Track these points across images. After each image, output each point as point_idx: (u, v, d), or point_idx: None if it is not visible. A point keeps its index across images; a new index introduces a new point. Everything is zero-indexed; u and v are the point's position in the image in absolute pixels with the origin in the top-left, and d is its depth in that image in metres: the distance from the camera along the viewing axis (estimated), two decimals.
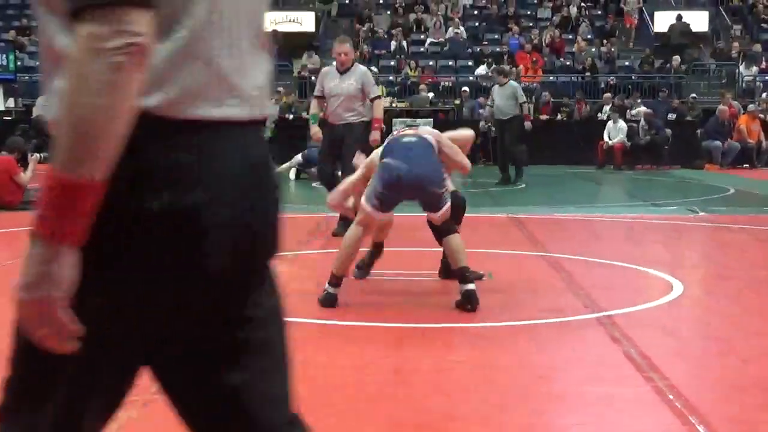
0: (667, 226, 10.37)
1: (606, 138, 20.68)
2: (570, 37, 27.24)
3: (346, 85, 8.97)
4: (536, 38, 26.68)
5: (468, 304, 5.66)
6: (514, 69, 23.30)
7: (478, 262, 7.50)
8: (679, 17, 26.54)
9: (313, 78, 25.14)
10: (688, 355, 4.81)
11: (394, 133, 6.30)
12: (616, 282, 6.77)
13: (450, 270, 6.13)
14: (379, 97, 9.27)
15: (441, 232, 6.00)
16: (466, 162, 6.25)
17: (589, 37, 26.91)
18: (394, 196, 5.84)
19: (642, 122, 20.95)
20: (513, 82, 16.62)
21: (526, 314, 5.65)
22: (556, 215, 11.18)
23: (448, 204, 5.86)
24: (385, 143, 6.14)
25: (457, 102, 23.36)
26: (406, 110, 22.96)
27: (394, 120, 22.00)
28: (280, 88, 23.64)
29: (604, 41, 26.62)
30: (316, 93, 9.33)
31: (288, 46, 27.43)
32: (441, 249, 6.26)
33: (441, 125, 21.80)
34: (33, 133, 21.51)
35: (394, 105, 22.96)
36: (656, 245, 9.14)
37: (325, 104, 9.24)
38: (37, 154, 12.84)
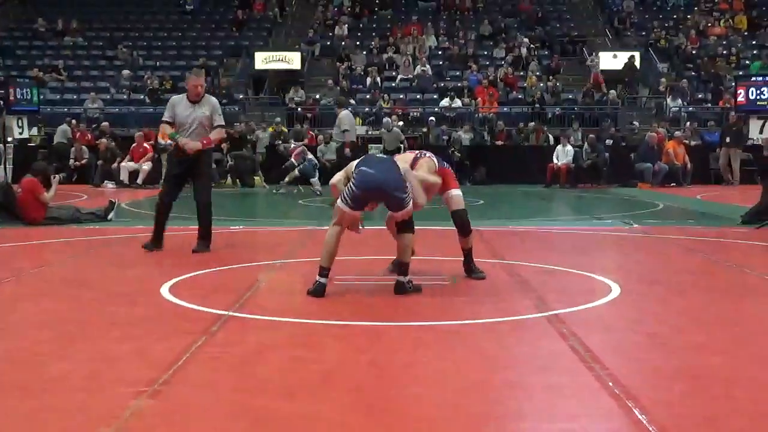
0: (607, 236, 10.43)
1: (555, 160, 20.77)
2: (521, 73, 27.38)
3: (198, 114, 8.70)
4: (492, 75, 26.82)
5: (398, 291, 6.19)
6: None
7: (444, 268, 7.53)
8: (632, 57, 26.92)
9: (299, 109, 25.20)
10: (625, 348, 4.84)
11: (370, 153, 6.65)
12: (563, 285, 6.80)
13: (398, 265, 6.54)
14: (222, 126, 8.93)
15: (400, 227, 6.38)
16: (421, 200, 6.51)
17: (538, 74, 27.08)
18: (366, 196, 6.23)
19: (585, 146, 21.07)
20: (345, 111, 16.19)
21: (485, 314, 5.66)
22: (511, 227, 11.21)
23: (410, 206, 6.26)
24: (362, 158, 6.61)
25: (425, 129, 23.42)
26: (380, 137, 22.99)
27: (370, 146, 22.03)
28: (278, 119, 23.61)
29: (551, 77, 26.79)
30: (167, 119, 8.73)
31: (278, 82, 27.47)
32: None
33: (410, 150, 21.86)
34: (54, 158, 21.41)
35: (369, 132, 22.96)
36: (597, 253, 9.19)
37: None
38: (59, 176, 12.77)
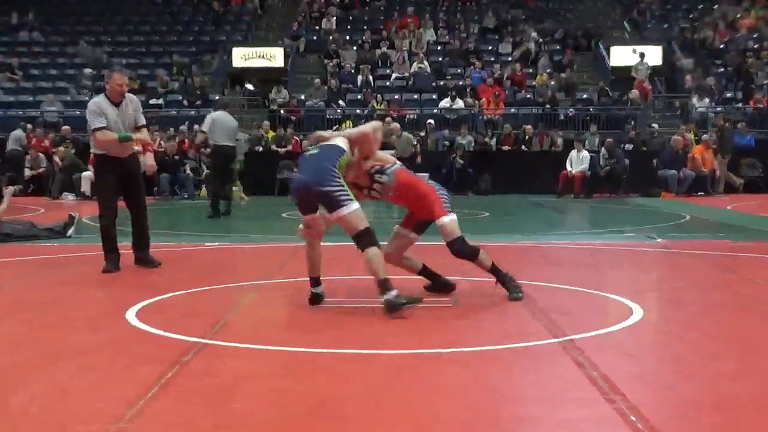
0: (626, 252, 10.42)
1: (568, 167, 20.80)
2: (530, 71, 27.47)
3: (126, 117, 8.82)
4: (497, 72, 26.88)
5: (389, 311, 6.18)
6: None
7: (447, 289, 7.50)
8: (642, 54, 26.80)
9: (282, 111, 25.25)
10: (649, 377, 4.82)
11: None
12: (578, 307, 6.78)
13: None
14: (146, 126, 9.14)
15: (356, 241, 6.34)
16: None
17: (549, 71, 27.15)
18: (300, 199, 6.43)
19: (603, 151, 21.11)
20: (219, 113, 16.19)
21: (491, 339, 5.64)
22: (519, 243, 11.21)
23: (350, 208, 6.25)
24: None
25: (422, 133, 23.45)
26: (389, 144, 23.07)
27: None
28: (266, 122, 23.61)
29: (562, 74, 26.87)
30: (103, 125, 8.65)
31: (260, 80, 27.51)
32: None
33: (408, 157, 21.95)
34: (6, 167, 21.39)
35: None
36: (616, 271, 9.18)
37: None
38: (12, 187, 12.74)
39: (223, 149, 15.62)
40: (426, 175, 7.13)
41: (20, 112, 25.22)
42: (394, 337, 5.70)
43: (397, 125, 21.14)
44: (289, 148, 22.49)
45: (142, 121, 9.04)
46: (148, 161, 9.46)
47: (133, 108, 8.94)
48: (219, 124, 15.66)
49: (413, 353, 5.28)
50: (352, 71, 27.37)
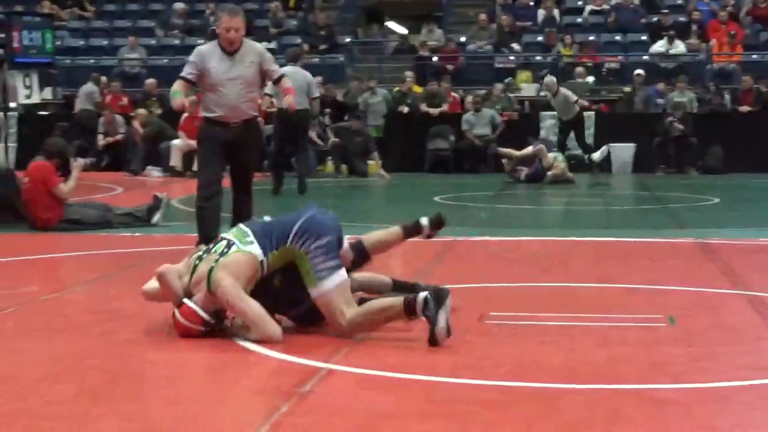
0: None
1: None
2: None
3: (241, 70, 9.02)
4: (733, 3, 26.28)
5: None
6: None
7: (656, 302, 7.44)
8: None
9: (435, 58, 25.30)
10: None
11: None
12: None
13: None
14: (283, 75, 9.38)
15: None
16: None
17: None
18: None
19: None
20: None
21: (719, 373, 5.57)
22: (761, 240, 11.00)
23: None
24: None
25: (628, 89, 23.15)
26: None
27: (542, 114, 21.95)
28: (408, 74, 23.46)
29: None
30: (186, 76, 9.13)
31: (405, 17, 27.54)
32: None
33: (605, 119, 21.74)
34: (75, 132, 21.93)
35: (542, 94, 22.88)
36: None
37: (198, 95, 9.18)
38: (81, 160, 13.00)
39: (287, 112, 15.92)
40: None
41: (92, 61, 25.75)
42: (584, 367, 5.68)
43: (553, 79, 20.91)
44: (445, 108, 22.50)
45: (278, 71, 9.30)
46: (289, 99, 9.52)
47: (256, 58, 9.13)
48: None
49: (608, 389, 5.26)
50: (531, 3, 27.21)
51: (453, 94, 23.11)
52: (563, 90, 20.18)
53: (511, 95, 22.77)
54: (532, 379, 5.40)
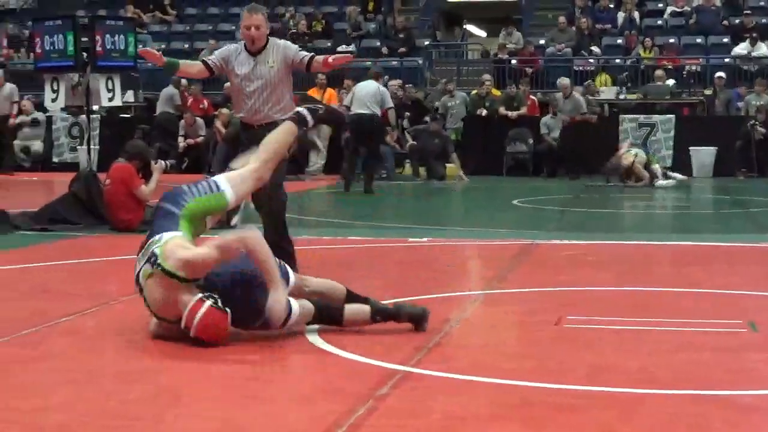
0: None
1: None
2: None
3: (264, 70, 8.75)
4: None
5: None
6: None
7: (737, 308, 7.34)
8: None
9: (513, 61, 25.27)
10: None
11: None
12: None
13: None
14: (314, 56, 8.94)
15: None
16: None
17: None
18: None
19: None
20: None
21: None
22: None
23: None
24: None
25: (708, 92, 22.95)
26: (639, 103, 22.69)
27: (621, 117, 21.81)
28: (487, 77, 23.48)
29: None
30: (206, 59, 9.15)
31: (484, 20, 27.55)
32: None
33: (686, 122, 21.55)
34: (156, 135, 22.22)
35: (622, 96, 22.75)
36: None
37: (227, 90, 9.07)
38: (162, 162, 13.19)
39: (359, 118, 17.21)
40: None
41: None
42: (664, 371, 5.62)
43: (567, 81, 20.96)
44: (523, 111, 22.46)
45: (304, 58, 8.84)
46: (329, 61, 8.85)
47: (279, 56, 8.83)
48: (358, 92, 17.55)
49: (688, 394, 5.20)
50: (611, 5, 27.06)
51: (531, 96, 23.07)
52: (577, 95, 20.35)
53: (591, 98, 22.67)
54: (609, 384, 5.36)
